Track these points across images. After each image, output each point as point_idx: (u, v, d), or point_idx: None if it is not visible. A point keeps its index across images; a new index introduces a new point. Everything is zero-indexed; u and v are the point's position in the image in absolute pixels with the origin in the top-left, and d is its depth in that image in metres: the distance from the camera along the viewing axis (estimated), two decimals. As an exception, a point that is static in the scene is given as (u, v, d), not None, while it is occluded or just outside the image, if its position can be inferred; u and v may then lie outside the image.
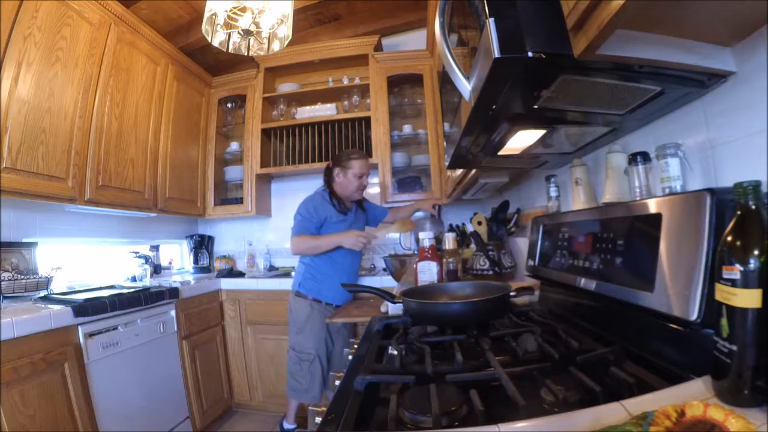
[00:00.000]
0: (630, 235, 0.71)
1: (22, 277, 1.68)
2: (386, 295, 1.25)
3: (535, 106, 0.73)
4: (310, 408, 0.67)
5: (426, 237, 1.57)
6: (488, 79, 0.59)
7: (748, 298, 0.41)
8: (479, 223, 1.85)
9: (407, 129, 2.73)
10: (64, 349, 1.43)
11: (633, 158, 0.82)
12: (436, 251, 1.57)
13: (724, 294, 0.44)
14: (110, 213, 2.18)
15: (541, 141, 0.95)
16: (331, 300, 1.93)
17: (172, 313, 2.02)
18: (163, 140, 2.43)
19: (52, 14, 1.70)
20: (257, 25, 1.45)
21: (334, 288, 1.91)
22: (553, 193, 1.22)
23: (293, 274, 2.09)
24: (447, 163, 1.32)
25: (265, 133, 2.81)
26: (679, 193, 0.70)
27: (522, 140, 0.95)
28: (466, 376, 0.63)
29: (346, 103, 2.84)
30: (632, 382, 0.53)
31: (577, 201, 1.07)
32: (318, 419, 0.59)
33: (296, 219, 1.91)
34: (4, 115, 1.51)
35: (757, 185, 0.43)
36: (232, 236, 3.10)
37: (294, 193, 2.81)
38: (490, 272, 1.61)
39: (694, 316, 0.54)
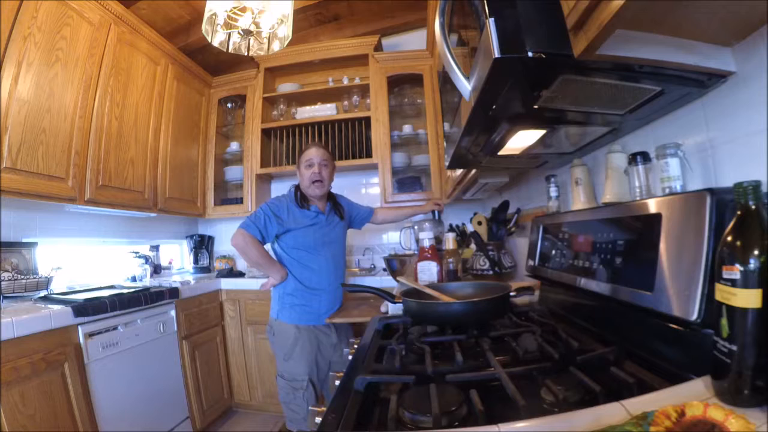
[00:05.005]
0: (630, 235, 0.71)
1: (22, 277, 1.68)
2: (386, 295, 1.25)
3: (535, 106, 0.73)
4: (310, 408, 0.67)
5: (426, 237, 1.57)
6: (488, 79, 0.60)
7: (748, 298, 0.41)
8: (479, 223, 1.85)
9: (407, 129, 2.73)
10: (64, 349, 1.43)
11: (633, 158, 0.82)
12: (436, 251, 1.57)
13: (724, 294, 0.44)
14: (110, 213, 2.18)
15: (541, 141, 0.95)
16: (315, 322, 1.72)
17: (172, 313, 2.02)
18: (163, 140, 2.43)
19: (52, 14, 1.70)
20: (257, 25, 1.45)
21: (315, 310, 1.72)
22: (553, 193, 1.22)
23: None
24: (447, 163, 1.32)
25: (265, 133, 2.81)
26: (679, 193, 0.70)
27: (522, 140, 0.95)
28: (466, 376, 0.64)
29: (346, 103, 2.84)
30: (632, 382, 0.53)
31: (577, 201, 1.07)
32: (318, 419, 0.59)
33: (258, 211, 1.68)
34: (4, 115, 1.51)
35: (757, 185, 0.43)
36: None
37: (294, 193, 2.80)
38: (490, 272, 1.61)
39: (694, 316, 0.54)
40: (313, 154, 1.74)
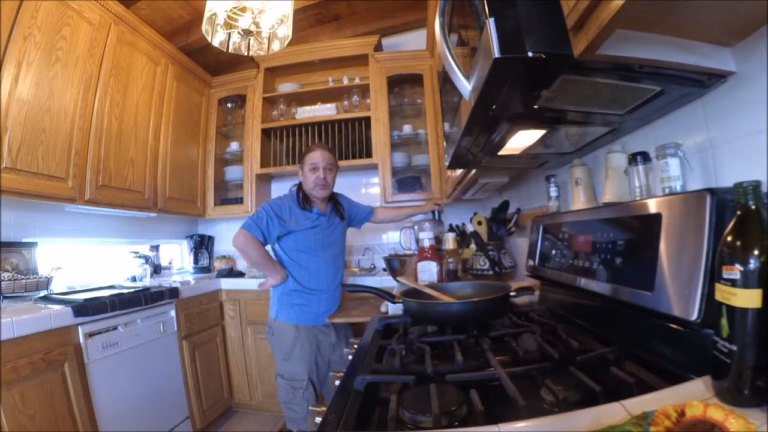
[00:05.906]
0: (630, 235, 0.71)
1: (22, 277, 1.68)
2: (386, 295, 1.25)
3: (535, 106, 0.73)
4: (310, 408, 0.66)
5: (426, 237, 1.57)
6: (488, 79, 0.59)
7: (748, 298, 0.41)
8: (479, 223, 1.85)
9: (407, 129, 2.73)
10: (64, 349, 1.43)
11: (633, 158, 0.82)
12: (436, 251, 1.57)
13: (724, 294, 0.44)
14: (110, 213, 2.18)
15: (541, 141, 0.95)
16: (314, 322, 1.72)
17: (172, 313, 2.02)
18: (163, 140, 2.43)
19: (52, 14, 1.70)
20: (257, 25, 1.45)
21: (314, 310, 1.72)
22: (553, 193, 1.22)
23: None
24: (447, 163, 1.32)
25: (265, 133, 2.81)
26: (679, 193, 0.70)
27: (522, 140, 0.95)
28: (466, 376, 0.64)
29: (346, 103, 2.84)
30: (632, 382, 0.53)
31: (577, 201, 1.07)
32: (318, 419, 0.59)
33: (260, 211, 1.67)
34: (4, 115, 1.51)
35: (757, 185, 0.43)
36: (232, 236, 3.09)
37: (294, 193, 2.80)
38: (490, 272, 1.61)
39: (694, 316, 0.54)
40: (318, 157, 1.71)
